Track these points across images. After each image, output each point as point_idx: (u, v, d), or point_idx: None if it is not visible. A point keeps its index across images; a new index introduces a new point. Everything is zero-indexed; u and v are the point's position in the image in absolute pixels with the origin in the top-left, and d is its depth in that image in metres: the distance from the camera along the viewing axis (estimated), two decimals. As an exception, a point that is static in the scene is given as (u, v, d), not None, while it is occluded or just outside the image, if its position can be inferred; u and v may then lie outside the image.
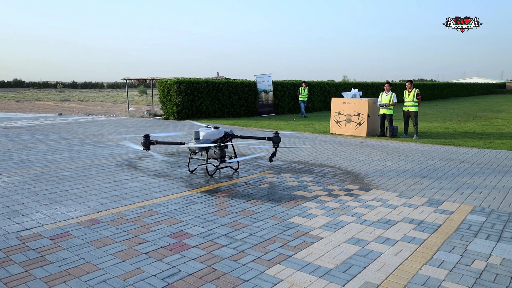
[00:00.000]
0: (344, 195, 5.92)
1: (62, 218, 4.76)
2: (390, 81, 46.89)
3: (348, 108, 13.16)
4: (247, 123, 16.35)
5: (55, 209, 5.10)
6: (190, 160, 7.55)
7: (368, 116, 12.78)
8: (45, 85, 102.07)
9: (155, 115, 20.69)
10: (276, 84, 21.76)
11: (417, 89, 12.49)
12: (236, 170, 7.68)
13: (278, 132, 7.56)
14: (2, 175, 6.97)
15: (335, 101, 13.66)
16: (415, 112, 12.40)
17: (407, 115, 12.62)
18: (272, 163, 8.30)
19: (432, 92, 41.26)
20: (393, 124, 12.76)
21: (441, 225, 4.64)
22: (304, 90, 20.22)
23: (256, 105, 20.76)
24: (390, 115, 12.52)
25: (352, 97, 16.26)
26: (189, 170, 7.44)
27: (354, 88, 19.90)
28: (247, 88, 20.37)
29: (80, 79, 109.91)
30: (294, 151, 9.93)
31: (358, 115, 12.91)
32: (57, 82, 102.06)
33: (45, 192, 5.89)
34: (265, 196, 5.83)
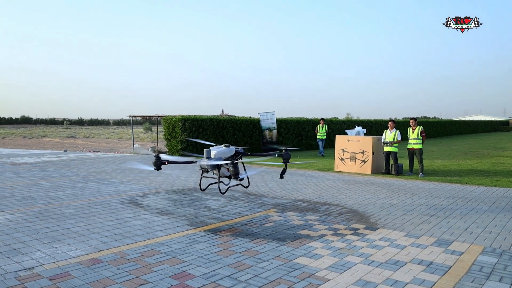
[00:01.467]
0: (351, 234, 5.80)
1: (63, 257, 4.66)
2: (393, 118, 47.18)
3: (352, 146, 13.16)
4: (251, 161, 16.33)
5: (55, 247, 5.01)
6: (202, 179, 7.55)
7: (373, 153, 12.75)
8: (52, 122, 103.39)
9: (160, 152, 20.74)
10: (280, 122, 21.91)
11: (421, 127, 12.52)
12: (246, 187, 7.71)
13: (288, 148, 7.57)
14: (4, 212, 6.91)
15: (339, 139, 13.68)
16: (420, 149, 12.37)
17: (411, 153, 12.58)
18: (276, 202, 8.21)
19: (436, 129, 41.36)
20: (398, 162, 12.71)
21: (451, 266, 4.50)
22: (322, 127, 19.54)
23: (260, 142, 20.82)
24: (395, 153, 12.48)
25: (356, 135, 16.27)
26: (201, 189, 7.44)
27: (358, 126, 19.97)
28: (251, 126, 20.51)
29: (86, 116, 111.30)
30: (299, 189, 9.85)
31: (363, 152, 12.88)
32: (64, 119, 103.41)
33: (46, 230, 5.81)
34: (269, 235, 5.72)
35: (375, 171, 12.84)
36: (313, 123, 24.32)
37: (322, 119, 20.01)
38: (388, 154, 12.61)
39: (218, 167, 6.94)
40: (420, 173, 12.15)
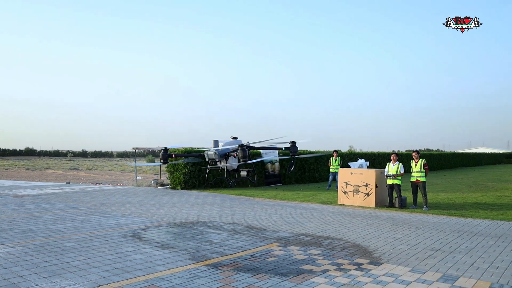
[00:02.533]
0: (354, 269, 5.69)
1: (61, 292, 4.58)
2: (396, 151, 47.12)
3: (355, 179, 13.11)
4: (253, 193, 16.25)
5: (54, 282, 4.94)
6: (208, 171, 7.66)
7: (376, 186, 12.68)
8: (56, 154, 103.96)
9: (162, 185, 20.71)
10: (283, 155, 21.93)
11: (424, 160, 12.51)
12: (254, 182, 7.84)
13: (295, 142, 7.67)
14: (4, 245, 6.85)
15: (342, 172, 13.65)
16: (423, 182, 12.30)
17: (415, 186, 12.50)
18: (278, 236, 8.14)
19: (439, 162, 41.24)
20: (402, 195, 12.61)
21: (458, 303, 4.38)
22: (336, 160, 18.47)
23: (263, 175, 20.79)
24: (398, 185, 12.42)
25: (359, 167, 16.23)
26: (208, 182, 7.53)
27: (361, 158, 19.93)
28: (254, 158, 20.51)
29: (90, 148, 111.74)
30: (301, 222, 9.75)
31: (366, 185, 12.82)
32: (68, 151, 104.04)
33: (46, 264, 5.74)
34: (272, 270, 5.62)
35: (379, 204, 12.73)
36: (316, 156, 24.34)
37: (335, 151, 19.04)
38: (391, 187, 12.54)
39: (226, 157, 7.12)
40: (424, 207, 12.03)
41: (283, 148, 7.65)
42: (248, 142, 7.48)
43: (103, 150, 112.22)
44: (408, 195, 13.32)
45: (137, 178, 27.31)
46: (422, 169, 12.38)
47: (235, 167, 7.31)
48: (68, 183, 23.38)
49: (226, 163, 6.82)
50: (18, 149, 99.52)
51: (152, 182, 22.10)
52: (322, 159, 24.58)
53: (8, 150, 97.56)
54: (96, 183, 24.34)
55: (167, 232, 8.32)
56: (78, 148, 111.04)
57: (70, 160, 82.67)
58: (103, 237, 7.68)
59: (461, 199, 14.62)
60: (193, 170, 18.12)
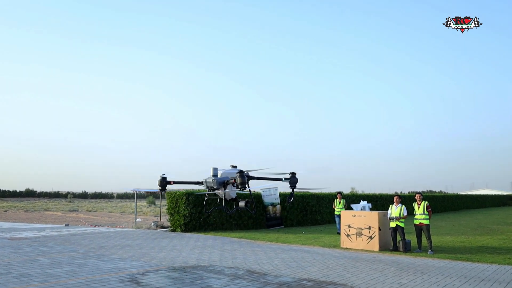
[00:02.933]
0: (359, 317, 5.49)
1: None
2: (398, 192, 46.72)
3: (358, 221, 12.93)
4: (254, 236, 15.97)
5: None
6: (206, 200, 7.57)
7: (379, 229, 12.48)
8: (56, 195, 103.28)
9: (162, 227, 20.42)
10: (284, 196, 21.77)
11: (427, 202, 12.39)
12: (253, 213, 7.77)
13: (295, 173, 7.60)
14: (-2, 291, 6.67)
15: (344, 214, 13.49)
16: (427, 225, 12.12)
17: (419, 228, 12.31)
18: (280, 281, 7.93)
19: (443, 204, 40.78)
20: (406, 238, 12.39)
21: None
22: (340, 202, 18.01)
23: (264, 217, 20.53)
24: (402, 228, 12.22)
25: (361, 209, 16.02)
26: (205, 211, 7.42)
27: (363, 200, 19.71)
28: (255, 200, 20.33)
29: (90, 189, 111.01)
30: (304, 266, 9.52)
31: (369, 228, 12.62)
32: (68, 192, 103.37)
33: (40, 311, 5.56)
34: (273, 317, 5.42)
35: (383, 247, 12.47)
36: (318, 197, 24.15)
37: (339, 193, 18.72)
38: (395, 230, 12.34)
39: (224, 185, 7.12)
40: (429, 250, 11.78)
41: (283, 179, 7.71)
42: (247, 171, 7.59)
43: (103, 191, 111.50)
44: (412, 238, 13.07)
45: (137, 220, 26.97)
46: (425, 212, 12.23)
47: (234, 195, 7.38)
48: (67, 225, 23.08)
49: (225, 193, 6.89)
50: (18, 190, 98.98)
51: (152, 224, 21.80)
52: (324, 201, 24.37)
53: (8, 191, 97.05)
54: (95, 225, 24.02)
55: (166, 277, 8.11)
56: (78, 189, 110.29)
57: (70, 202, 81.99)
58: (100, 282, 7.48)
59: (466, 243, 14.34)
60: (193, 212, 17.92)
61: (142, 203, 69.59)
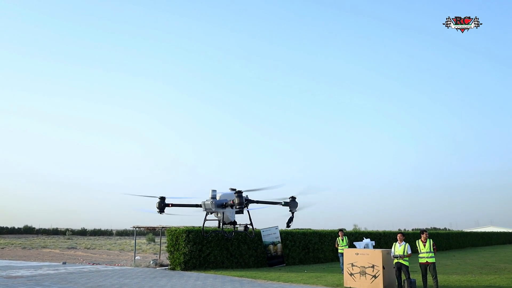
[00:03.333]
0: None
1: None
2: (402, 230, 45.92)
3: (361, 260, 12.66)
4: (256, 275, 15.59)
5: None
6: (205, 222, 7.54)
7: (383, 268, 12.20)
8: (55, 232, 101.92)
9: (161, 265, 20.00)
10: (285, 234, 21.45)
11: (431, 240, 12.16)
12: (252, 236, 7.77)
13: (295, 197, 7.55)
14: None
15: (347, 252, 13.23)
16: (433, 263, 11.84)
17: (424, 267, 12.02)
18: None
19: (448, 241, 40.05)
20: (411, 277, 12.07)
21: None
22: (343, 240, 17.16)
23: (265, 255, 20.14)
24: (406, 267, 11.94)
25: (364, 247, 15.75)
26: (203, 235, 7.37)
27: (366, 238, 19.40)
28: (256, 238, 20.02)
29: (90, 226, 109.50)
30: (307, 307, 9.22)
31: (373, 266, 12.33)
32: (67, 229, 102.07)
33: None
34: None
35: (387, 287, 12.14)
36: (320, 234, 23.79)
37: (341, 230, 18.09)
38: (399, 268, 12.06)
39: (223, 207, 7.16)
40: (436, 290, 11.45)
41: (282, 203, 7.71)
42: (247, 195, 7.62)
43: (102, 228, 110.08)
44: (417, 277, 12.74)
45: (136, 258, 26.47)
46: (431, 249, 11.98)
47: (232, 219, 7.33)
48: (64, 263, 22.62)
49: (223, 214, 6.88)
50: (16, 227, 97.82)
51: (151, 262, 21.37)
52: (327, 238, 23.97)
53: (6, 228, 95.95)
54: (93, 263, 23.55)
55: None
56: (77, 226, 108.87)
57: (69, 239, 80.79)
58: (96, 324, 7.23)
59: (473, 282, 13.96)
60: (194, 250, 17.58)
61: (142, 240, 68.54)
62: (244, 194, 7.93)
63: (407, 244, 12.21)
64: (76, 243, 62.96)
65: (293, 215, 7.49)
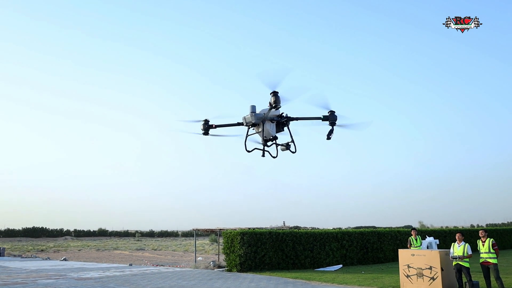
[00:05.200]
0: None
1: None
2: (479, 226, 43.08)
3: (418, 261, 12.17)
4: (310, 277, 15.53)
5: None
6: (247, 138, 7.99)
7: (442, 269, 11.64)
8: (126, 234, 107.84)
9: (219, 267, 20.53)
10: (342, 234, 21.12)
11: (492, 239, 11.41)
12: (294, 152, 8.05)
13: (334, 111, 7.81)
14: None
15: (402, 253, 12.78)
16: (495, 264, 11.10)
17: (486, 268, 11.31)
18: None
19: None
20: (472, 279, 11.41)
21: None
22: (416, 240, 15.96)
23: (322, 255, 19.95)
24: (467, 268, 11.29)
25: (427, 246, 15.05)
26: (246, 150, 7.74)
27: (429, 236, 18.51)
28: (312, 238, 19.91)
29: (157, 228, 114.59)
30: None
31: (430, 268, 11.82)
32: (136, 231, 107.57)
33: None
34: None
35: (447, 290, 11.57)
36: (379, 233, 23.12)
37: (413, 229, 16.98)
38: (459, 270, 11.44)
39: (263, 119, 7.56)
40: (500, 293, 10.74)
41: (322, 118, 7.99)
42: (287, 114, 8.23)
43: (169, 230, 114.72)
44: (480, 279, 12.02)
45: (198, 259, 27.40)
46: (492, 250, 11.24)
47: (273, 134, 7.70)
48: (130, 265, 23.95)
49: (263, 127, 7.39)
50: (92, 230, 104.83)
51: (211, 263, 22.00)
52: (386, 237, 23.24)
53: (83, 231, 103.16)
54: (157, 265, 24.70)
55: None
56: (146, 228, 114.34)
57: (138, 240, 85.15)
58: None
59: (546, 284, 12.87)
60: (248, 252, 17.87)
61: (205, 241, 70.60)
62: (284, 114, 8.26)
63: (467, 244, 11.54)
64: (145, 244, 66.23)
65: (333, 128, 7.86)
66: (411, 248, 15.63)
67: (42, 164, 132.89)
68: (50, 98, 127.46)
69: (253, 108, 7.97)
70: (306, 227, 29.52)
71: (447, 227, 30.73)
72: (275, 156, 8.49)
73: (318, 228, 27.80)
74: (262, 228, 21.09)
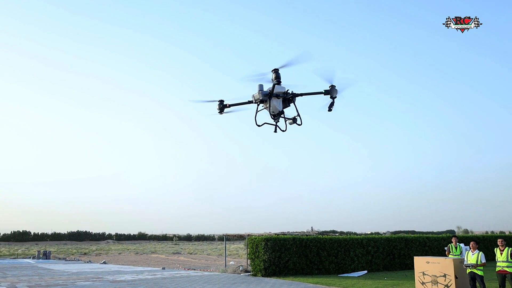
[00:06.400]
0: None
1: None
2: (502, 232, 41.54)
3: (432, 268, 12.38)
4: (331, 282, 15.93)
5: None
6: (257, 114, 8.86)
7: (456, 277, 11.81)
8: (164, 238, 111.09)
9: (246, 271, 21.24)
10: (367, 240, 21.29)
11: (511, 248, 11.45)
12: (300, 125, 8.82)
13: (334, 85, 8.59)
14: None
15: (417, 261, 13.01)
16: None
17: (502, 277, 11.35)
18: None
19: None
20: (487, 287, 11.50)
21: None
22: (456, 248, 15.52)
23: (347, 261, 20.22)
24: (481, 277, 11.40)
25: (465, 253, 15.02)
26: (257, 125, 8.61)
27: (459, 243, 18.34)
28: (336, 244, 20.23)
29: (195, 232, 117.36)
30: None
31: (445, 276, 12.01)
32: (174, 235, 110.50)
33: None
34: None
35: (461, 297, 11.71)
36: (406, 240, 23.05)
37: (454, 236, 16.63)
38: (473, 278, 11.56)
39: (269, 96, 8.34)
40: (514, 302, 10.79)
41: (324, 92, 8.86)
42: (292, 91, 9.11)
43: (206, 234, 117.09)
44: (496, 288, 12.05)
45: (230, 263, 28.26)
46: (510, 259, 11.29)
47: (280, 108, 8.76)
48: (163, 268, 25.11)
49: (270, 103, 8.34)
50: (132, 234, 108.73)
51: (241, 268, 22.74)
52: (414, 244, 23.13)
53: (124, 234, 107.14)
54: (188, 269, 25.72)
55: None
56: (183, 232, 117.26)
57: (175, 244, 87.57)
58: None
59: None
60: (272, 257, 18.47)
61: (240, 245, 71.62)
62: (290, 91, 9.14)
63: (481, 252, 11.66)
64: (181, 248, 68.05)
65: (333, 100, 8.76)
66: (449, 256, 15.11)
67: (94, 178, 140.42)
68: (109, 118, 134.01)
69: (261, 86, 8.99)
70: (335, 232, 29.72)
71: (492, 232, 29.72)
72: (284, 129, 9.32)
73: (355, 233, 28.05)
74: (287, 234, 21.63)
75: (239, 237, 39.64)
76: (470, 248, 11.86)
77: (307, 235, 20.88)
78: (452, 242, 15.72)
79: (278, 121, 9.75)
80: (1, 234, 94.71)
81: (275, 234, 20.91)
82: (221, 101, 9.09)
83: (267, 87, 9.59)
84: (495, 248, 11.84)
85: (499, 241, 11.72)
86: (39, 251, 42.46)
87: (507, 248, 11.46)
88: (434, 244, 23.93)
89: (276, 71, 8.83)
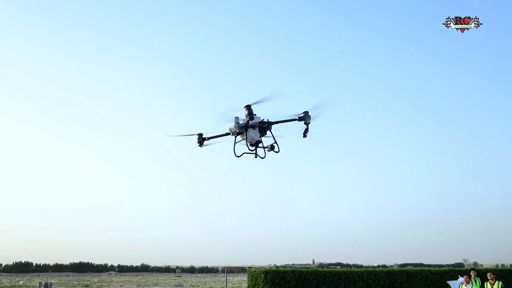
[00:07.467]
0: None
1: None
2: (499, 266, 40.82)
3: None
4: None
5: None
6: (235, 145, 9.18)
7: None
8: (167, 270, 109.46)
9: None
10: (368, 273, 21.29)
11: (501, 282, 11.63)
12: (277, 152, 9.17)
13: (308, 111, 8.91)
14: None
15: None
16: (505, 308, 11.27)
17: (496, 311, 11.47)
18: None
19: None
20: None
21: None
22: (476, 282, 14.67)
23: (347, 295, 20.19)
24: (476, 311, 11.51)
25: (459, 286, 15.15)
26: (236, 155, 8.89)
27: (462, 276, 18.35)
28: (336, 278, 20.27)
29: (197, 263, 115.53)
30: None
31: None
32: (177, 267, 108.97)
33: None
34: None
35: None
36: (407, 273, 22.99)
37: (473, 269, 16.10)
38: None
39: (245, 128, 8.70)
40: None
41: (297, 118, 9.16)
42: (268, 119, 9.42)
43: (209, 266, 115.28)
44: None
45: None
46: (500, 292, 11.45)
47: (257, 138, 9.13)
48: (164, 301, 25.00)
49: (247, 134, 8.71)
50: (134, 265, 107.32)
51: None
52: (416, 277, 23.05)
53: (126, 266, 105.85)
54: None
55: None
56: (187, 263, 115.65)
57: (178, 276, 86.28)
58: None
59: None
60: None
61: (243, 277, 70.61)
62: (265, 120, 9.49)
63: (500, 282, 11.84)
64: (184, 280, 67.18)
65: (307, 126, 9.08)
66: None
67: (97, 207, 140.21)
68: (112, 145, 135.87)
69: (237, 119, 9.47)
70: (341, 265, 29.56)
71: (503, 265, 29.33)
72: (263, 156, 9.72)
73: (362, 265, 27.87)
74: (291, 266, 21.71)
75: (242, 270, 39.43)
76: (464, 282, 12.02)
77: (307, 268, 20.93)
78: (471, 275, 14.89)
79: (257, 149, 10.26)
80: (3, 265, 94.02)
81: (278, 266, 20.99)
82: (200, 134, 9.61)
83: (243, 117, 10.06)
84: (485, 282, 12.00)
85: (488, 275, 11.91)
86: (40, 283, 42.18)
87: (497, 282, 11.64)
88: (437, 277, 23.80)
89: (248, 107, 9.35)
